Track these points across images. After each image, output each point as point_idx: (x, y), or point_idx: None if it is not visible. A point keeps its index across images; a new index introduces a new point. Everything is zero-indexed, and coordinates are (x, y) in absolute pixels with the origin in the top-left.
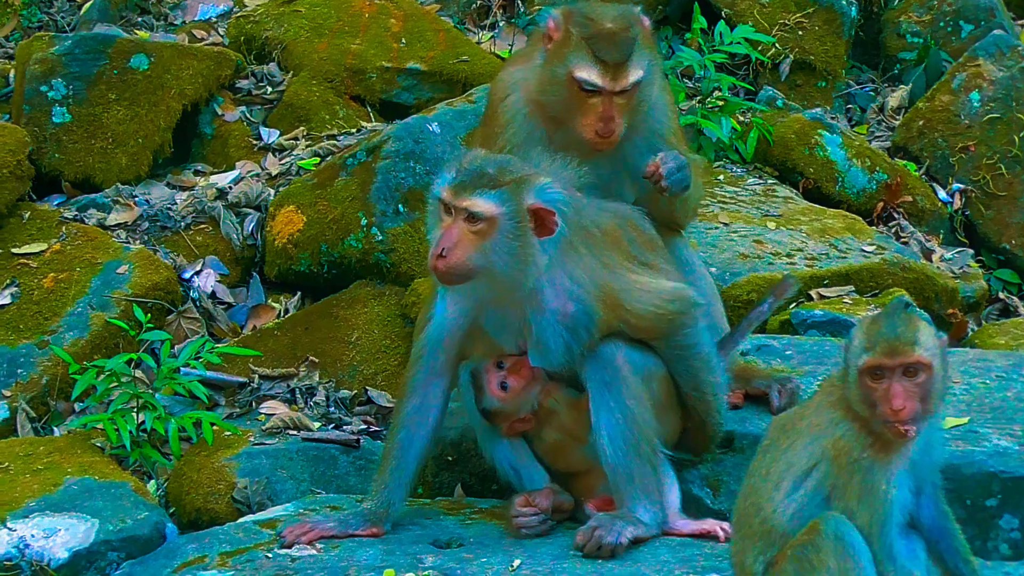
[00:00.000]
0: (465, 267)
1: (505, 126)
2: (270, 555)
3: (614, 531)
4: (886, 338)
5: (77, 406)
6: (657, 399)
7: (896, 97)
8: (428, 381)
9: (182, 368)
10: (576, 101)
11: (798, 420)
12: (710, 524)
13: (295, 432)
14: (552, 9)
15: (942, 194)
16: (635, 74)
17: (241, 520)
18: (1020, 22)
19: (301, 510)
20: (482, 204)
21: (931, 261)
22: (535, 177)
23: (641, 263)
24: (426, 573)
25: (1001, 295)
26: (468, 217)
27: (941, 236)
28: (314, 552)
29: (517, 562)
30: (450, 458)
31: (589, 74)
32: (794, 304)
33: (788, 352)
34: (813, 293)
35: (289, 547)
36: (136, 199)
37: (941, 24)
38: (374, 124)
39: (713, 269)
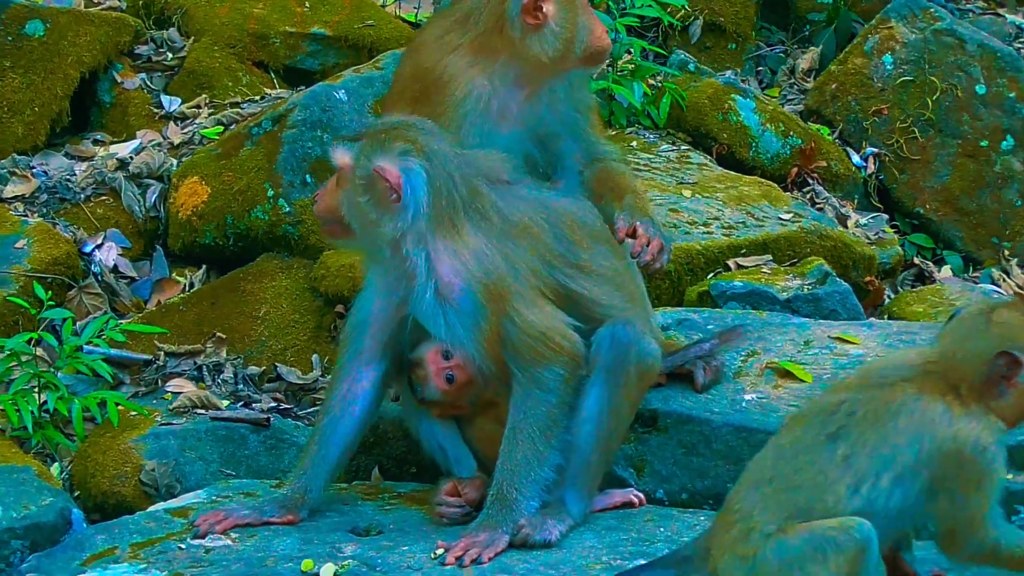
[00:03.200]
0: (327, 214)
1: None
2: (183, 546)
3: (544, 529)
4: None
5: None
6: None
7: (807, 59)
8: (355, 367)
9: (85, 346)
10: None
11: (884, 411)
12: (622, 495)
13: (203, 411)
14: None
15: (856, 158)
16: None
17: (152, 508)
18: None
19: (214, 497)
20: (338, 154)
21: (846, 227)
22: (400, 142)
23: (571, 264)
24: (346, 563)
25: (916, 260)
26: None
27: (856, 201)
28: (229, 542)
29: (439, 551)
30: (367, 440)
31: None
32: (712, 275)
33: (710, 327)
34: (731, 263)
35: (203, 537)
36: (33, 170)
37: None
38: (278, 91)
39: None
